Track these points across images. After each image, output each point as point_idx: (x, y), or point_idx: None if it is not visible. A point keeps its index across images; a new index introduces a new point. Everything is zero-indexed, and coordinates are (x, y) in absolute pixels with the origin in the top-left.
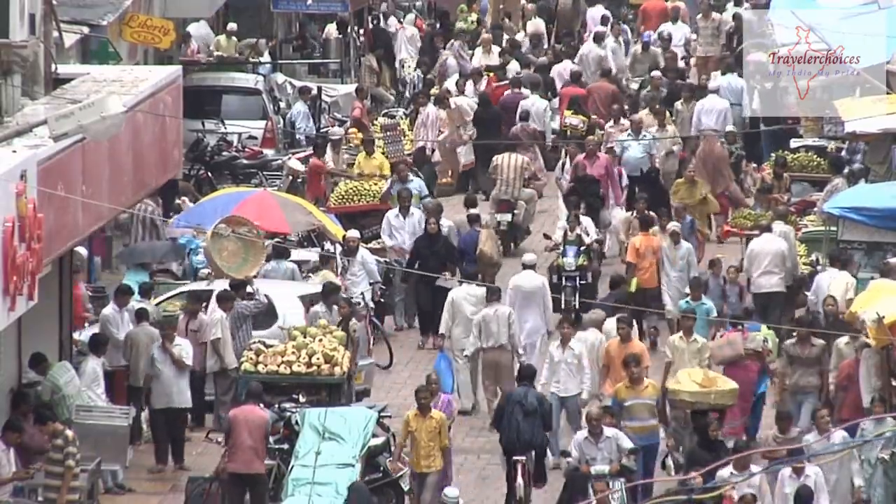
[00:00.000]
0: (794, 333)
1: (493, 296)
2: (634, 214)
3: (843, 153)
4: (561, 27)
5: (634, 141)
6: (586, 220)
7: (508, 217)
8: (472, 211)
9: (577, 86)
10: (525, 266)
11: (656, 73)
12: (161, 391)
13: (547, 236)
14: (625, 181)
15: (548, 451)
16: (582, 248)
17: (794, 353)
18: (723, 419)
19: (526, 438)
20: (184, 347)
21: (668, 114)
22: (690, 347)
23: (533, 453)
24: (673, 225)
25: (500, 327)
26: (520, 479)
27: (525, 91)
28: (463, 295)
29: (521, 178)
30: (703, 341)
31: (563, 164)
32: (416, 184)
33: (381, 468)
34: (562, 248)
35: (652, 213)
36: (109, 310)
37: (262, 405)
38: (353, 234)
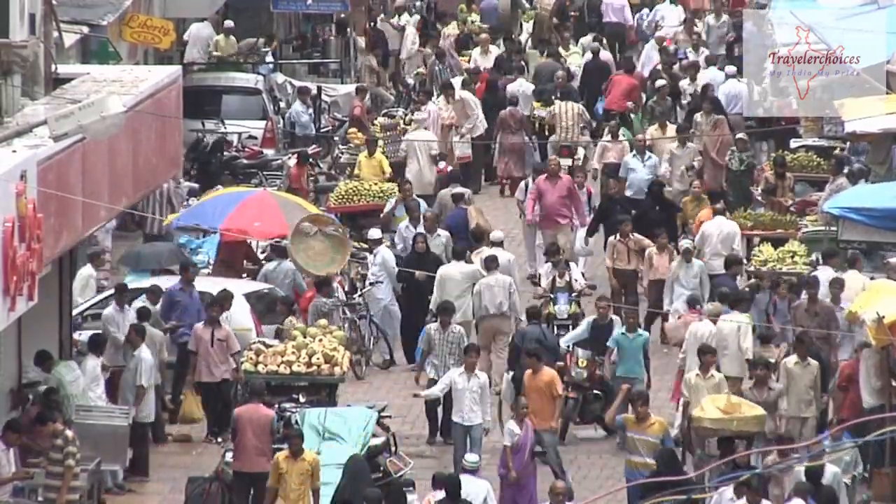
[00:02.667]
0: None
1: (493, 264)
2: (619, 238)
3: (846, 153)
4: (506, 30)
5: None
6: (573, 266)
7: (569, 162)
8: (457, 190)
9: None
10: (493, 243)
11: (661, 81)
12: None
13: (534, 282)
14: (594, 201)
15: None
16: (573, 296)
17: (751, 398)
18: (750, 447)
19: None
20: (143, 359)
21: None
22: (708, 384)
23: None
24: (685, 242)
25: (501, 295)
26: None
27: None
28: (452, 272)
29: (579, 124)
30: (720, 376)
31: (527, 185)
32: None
33: (381, 468)
34: (553, 295)
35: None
36: (110, 310)
37: (263, 404)
38: (375, 233)
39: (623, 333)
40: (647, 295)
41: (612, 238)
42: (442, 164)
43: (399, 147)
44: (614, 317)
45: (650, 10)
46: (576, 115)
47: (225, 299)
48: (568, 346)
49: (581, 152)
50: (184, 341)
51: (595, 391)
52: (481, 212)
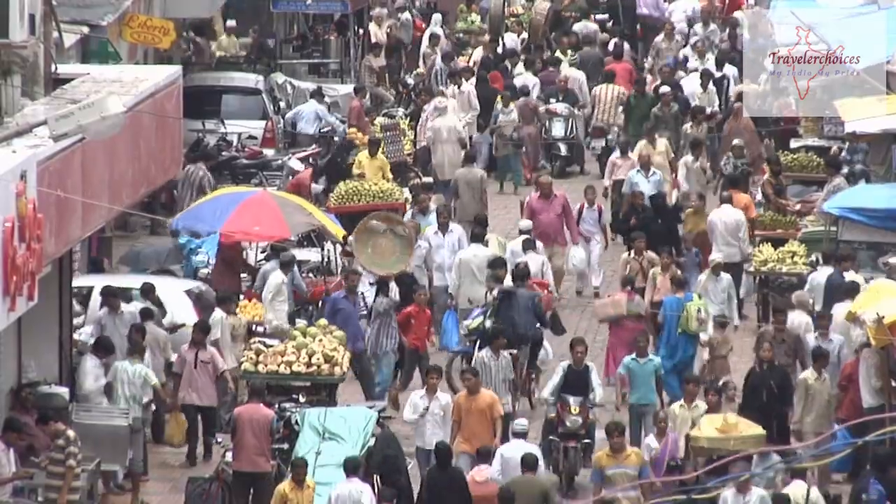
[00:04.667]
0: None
1: (529, 245)
2: (633, 255)
3: (844, 153)
4: (492, 31)
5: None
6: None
7: (602, 143)
8: (426, 179)
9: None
10: (521, 231)
11: (666, 88)
12: None
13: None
14: (604, 219)
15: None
16: (488, 311)
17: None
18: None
19: (520, 332)
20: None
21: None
22: (693, 414)
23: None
24: (716, 256)
25: (535, 270)
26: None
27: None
28: (470, 256)
29: (617, 107)
30: (704, 407)
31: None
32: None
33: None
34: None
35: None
36: (101, 313)
37: (263, 403)
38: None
39: (634, 359)
40: (647, 316)
41: (625, 255)
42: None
43: (399, 147)
44: (590, 363)
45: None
46: (615, 97)
47: (227, 300)
48: (552, 396)
49: (615, 132)
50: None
51: (586, 440)
52: (441, 202)
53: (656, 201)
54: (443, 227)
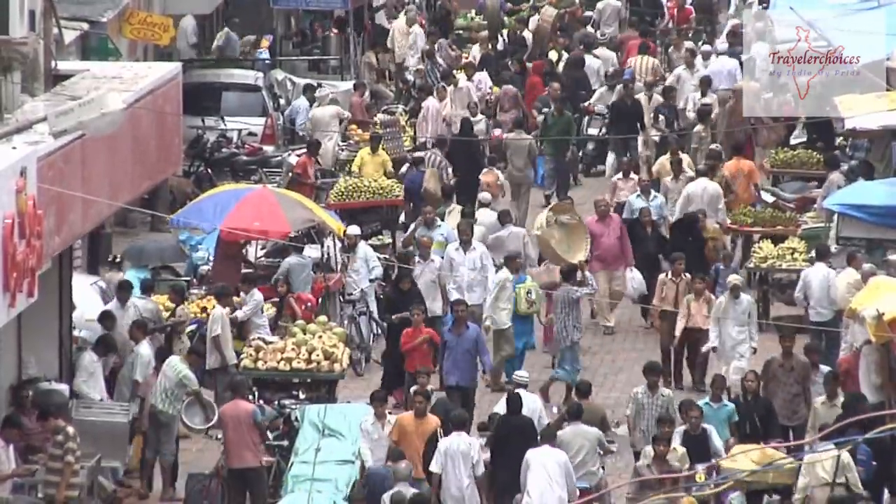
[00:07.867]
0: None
1: (507, 218)
2: (670, 276)
3: (848, 149)
4: (490, 28)
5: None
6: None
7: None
8: (417, 154)
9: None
10: (481, 204)
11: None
12: None
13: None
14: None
15: None
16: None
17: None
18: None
19: None
20: (140, 353)
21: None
22: (671, 457)
23: None
24: (734, 278)
25: (517, 246)
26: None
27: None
28: (503, 234)
29: (654, 77)
30: (682, 451)
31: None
32: (444, 229)
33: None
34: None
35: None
36: (112, 306)
37: (263, 400)
38: (354, 230)
39: (707, 403)
40: (668, 342)
41: (662, 276)
42: (497, 131)
43: (399, 143)
44: (707, 426)
45: None
46: (650, 69)
47: (225, 295)
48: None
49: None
50: None
51: None
52: (436, 174)
53: (689, 222)
54: (464, 245)
